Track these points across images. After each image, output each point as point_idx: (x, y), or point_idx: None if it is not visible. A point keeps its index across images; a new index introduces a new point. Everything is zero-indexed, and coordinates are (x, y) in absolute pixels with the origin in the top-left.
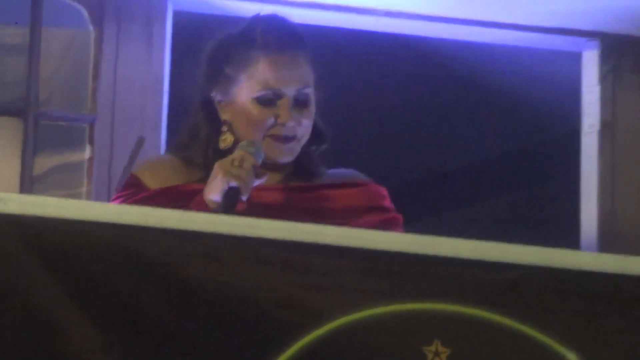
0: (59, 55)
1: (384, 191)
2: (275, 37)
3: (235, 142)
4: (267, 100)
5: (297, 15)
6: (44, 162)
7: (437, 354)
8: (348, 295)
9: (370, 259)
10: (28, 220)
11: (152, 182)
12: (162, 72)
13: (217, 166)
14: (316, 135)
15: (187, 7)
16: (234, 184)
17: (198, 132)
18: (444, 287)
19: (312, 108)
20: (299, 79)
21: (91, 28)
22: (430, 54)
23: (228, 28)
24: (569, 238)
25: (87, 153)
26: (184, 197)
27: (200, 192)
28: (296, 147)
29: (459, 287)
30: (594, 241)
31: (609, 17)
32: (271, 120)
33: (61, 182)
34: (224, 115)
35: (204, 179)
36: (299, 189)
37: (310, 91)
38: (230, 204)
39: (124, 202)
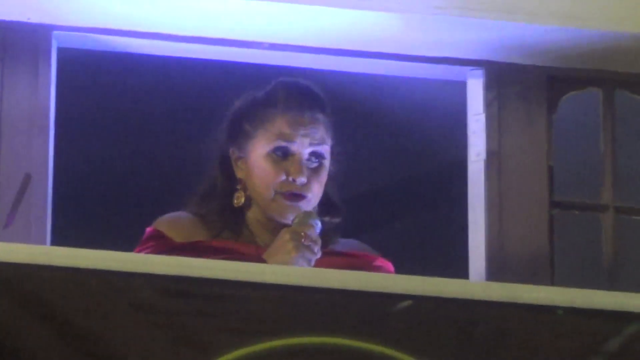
0: None
1: (390, 267)
2: (296, 97)
3: (248, 200)
4: (281, 154)
5: (182, 49)
6: None
7: None
8: (239, 330)
9: (259, 291)
10: None
11: (175, 235)
12: (47, 108)
13: (289, 240)
14: (329, 206)
15: (71, 43)
16: (303, 265)
17: (214, 189)
18: (334, 320)
19: (325, 172)
20: (314, 137)
21: None
22: (317, 85)
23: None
24: (458, 266)
25: None
26: (208, 252)
27: (222, 250)
28: (305, 208)
29: (348, 319)
30: (482, 269)
31: (493, 46)
32: (282, 176)
33: None
34: (239, 174)
35: (221, 235)
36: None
37: (325, 151)
38: None
39: (149, 253)
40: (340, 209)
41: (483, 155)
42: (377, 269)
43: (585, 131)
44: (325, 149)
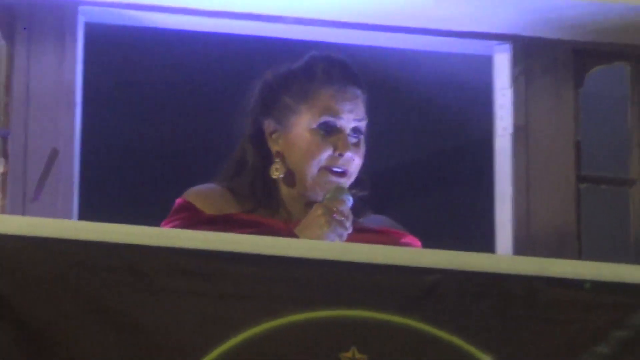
0: None
1: (418, 243)
2: (338, 73)
3: (288, 174)
4: (328, 130)
5: (209, 24)
6: None
7: None
8: (263, 303)
9: (285, 266)
10: None
11: (206, 207)
12: (74, 84)
13: (321, 214)
14: (358, 180)
15: (98, 18)
16: (336, 239)
17: (245, 163)
18: (360, 294)
19: (363, 148)
20: (358, 112)
21: (2, 42)
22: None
23: (287, 65)
24: (484, 241)
25: (0, 167)
26: (238, 225)
27: (252, 222)
28: (346, 184)
29: (375, 293)
30: (509, 244)
31: (520, 20)
32: (329, 151)
33: None
34: (276, 147)
35: (253, 210)
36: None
37: (364, 127)
38: None
39: (179, 226)
40: (367, 183)
41: (510, 130)
42: (405, 245)
43: (612, 105)
44: (364, 125)
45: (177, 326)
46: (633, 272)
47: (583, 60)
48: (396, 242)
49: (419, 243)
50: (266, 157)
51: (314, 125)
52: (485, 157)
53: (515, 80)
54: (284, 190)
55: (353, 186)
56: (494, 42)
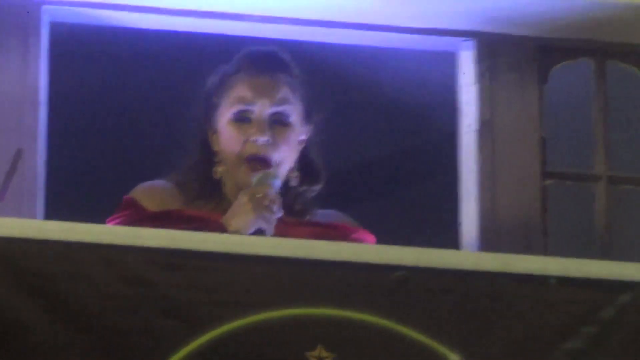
0: None
1: (371, 238)
2: (257, 62)
3: (227, 170)
4: (241, 117)
5: (174, 23)
6: None
7: (320, 359)
8: (228, 302)
9: (247, 264)
10: None
11: (150, 204)
12: (38, 83)
13: (247, 201)
14: (310, 173)
15: (62, 18)
16: (263, 226)
17: (195, 164)
18: (325, 292)
19: (293, 132)
20: (275, 96)
21: None
22: (306, 58)
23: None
24: (450, 238)
25: None
26: (183, 220)
27: (199, 219)
28: (275, 171)
29: (340, 290)
30: (475, 241)
31: (484, 17)
32: (245, 138)
33: None
34: (215, 147)
35: (198, 205)
36: (292, 223)
37: (289, 111)
38: None
39: (122, 222)
40: (320, 176)
41: (475, 126)
42: (356, 241)
43: (577, 101)
44: (290, 109)
45: (143, 326)
46: (599, 267)
47: (547, 56)
48: (346, 237)
49: (372, 238)
50: (212, 158)
51: (230, 116)
52: (451, 153)
53: (480, 76)
54: (228, 186)
55: (305, 179)
56: (458, 39)
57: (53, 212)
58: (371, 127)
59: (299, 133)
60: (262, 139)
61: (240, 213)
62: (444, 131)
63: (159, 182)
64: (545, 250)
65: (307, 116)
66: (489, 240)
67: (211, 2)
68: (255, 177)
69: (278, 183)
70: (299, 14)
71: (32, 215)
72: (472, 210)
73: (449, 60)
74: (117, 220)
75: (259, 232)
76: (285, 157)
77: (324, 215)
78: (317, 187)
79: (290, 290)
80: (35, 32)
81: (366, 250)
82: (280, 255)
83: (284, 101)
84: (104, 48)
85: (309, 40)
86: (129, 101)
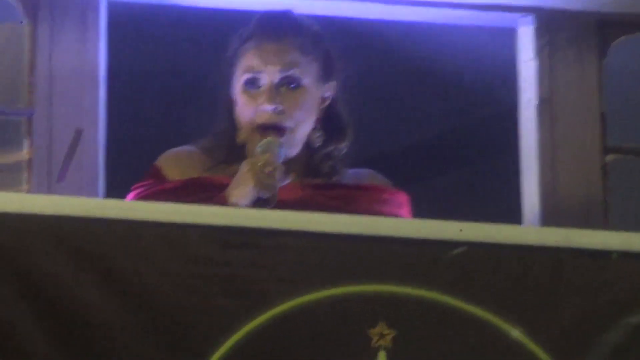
0: None
1: (403, 198)
2: (267, 27)
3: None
4: (251, 85)
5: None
6: None
7: (382, 335)
8: (290, 279)
9: (309, 241)
10: None
11: (173, 173)
12: (97, 63)
13: (247, 171)
14: (334, 130)
15: None
16: (264, 194)
17: (222, 132)
18: (386, 268)
19: (307, 94)
20: (283, 61)
21: (25, 21)
22: (364, 35)
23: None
24: (511, 213)
25: (25, 147)
26: (204, 189)
27: (220, 185)
28: (290, 141)
29: (401, 267)
30: (536, 216)
31: None
32: (255, 107)
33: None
34: (236, 113)
35: (224, 170)
36: (319, 186)
37: (300, 74)
38: None
39: (143, 192)
40: (347, 133)
41: (534, 102)
42: (383, 201)
43: (637, 76)
44: (301, 72)
45: (204, 304)
46: None
47: (607, 31)
48: (377, 198)
49: (404, 197)
50: (235, 123)
51: (241, 86)
52: (511, 129)
53: (539, 52)
54: (250, 150)
55: (328, 138)
56: (517, 15)
57: (113, 190)
58: (432, 104)
59: (317, 93)
60: (270, 107)
61: (241, 183)
62: (504, 107)
63: (185, 148)
64: (606, 226)
65: (327, 74)
66: (550, 216)
67: None
68: (258, 147)
69: (283, 151)
70: None
71: (93, 194)
72: (533, 185)
73: (509, 36)
74: (140, 190)
75: (261, 200)
76: (300, 122)
77: (354, 175)
78: (345, 145)
79: (351, 267)
80: (94, 10)
81: (427, 226)
82: (341, 232)
83: (293, 65)
84: (161, 26)
85: (369, 18)
86: (187, 79)
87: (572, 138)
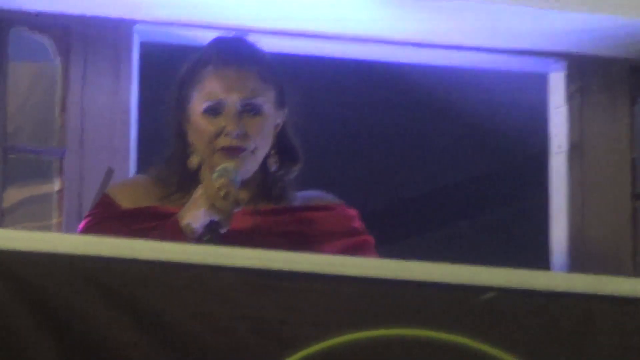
0: (27, 88)
1: (353, 213)
2: (226, 53)
3: (201, 163)
4: (212, 111)
5: (266, 43)
6: (13, 195)
7: None
8: (320, 322)
9: (342, 284)
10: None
11: (125, 201)
12: (129, 103)
13: (201, 194)
14: (286, 153)
15: (153, 37)
16: (218, 217)
17: (170, 154)
18: (418, 312)
19: (267, 121)
20: (245, 89)
21: (58, 60)
22: (397, 79)
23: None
24: (540, 259)
25: (56, 185)
26: (156, 217)
27: (170, 215)
28: (250, 161)
29: (431, 311)
30: (564, 261)
31: (575, 38)
32: (218, 132)
33: (31, 214)
34: (190, 138)
35: (175, 199)
36: (270, 212)
37: (261, 102)
38: (213, 237)
39: (94, 220)
40: (298, 156)
41: (565, 147)
42: (337, 218)
43: None
44: (262, 100)
45: (234, 345)
46: None
47: (638, 77)
48: (327, 216)
49: (353, 212)
50: (187, 148)
51: (201, 110)
52: (541, 174)
53: (570, 97)
54: (204, 177)
55: (282, 160)
56: (549, 60)
57: None
58: (463, 148)
59: (274, 119)
60: (235, 132)
61: (193, 208)
62: (535, 152)
63: (136, 177)
64: (635, 272)
65: (281, 101)
66: (579, 262)
67: (307, 22)
68: (215, 172)
69: (239, 178)
70: (387, 35)
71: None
72: (562, 231)
73: (540, 81)
74: (89, 218)
75: (213, 224)
76: (260, 146)
77: (305, 197)
78: (296, 168)
79: (380, 311)
80: (127, 51)
81: (457, 271)
82: (369, 275)
83: (254, 93)
84: None
85: (398, 62)
86: None
87: (602, 184)
